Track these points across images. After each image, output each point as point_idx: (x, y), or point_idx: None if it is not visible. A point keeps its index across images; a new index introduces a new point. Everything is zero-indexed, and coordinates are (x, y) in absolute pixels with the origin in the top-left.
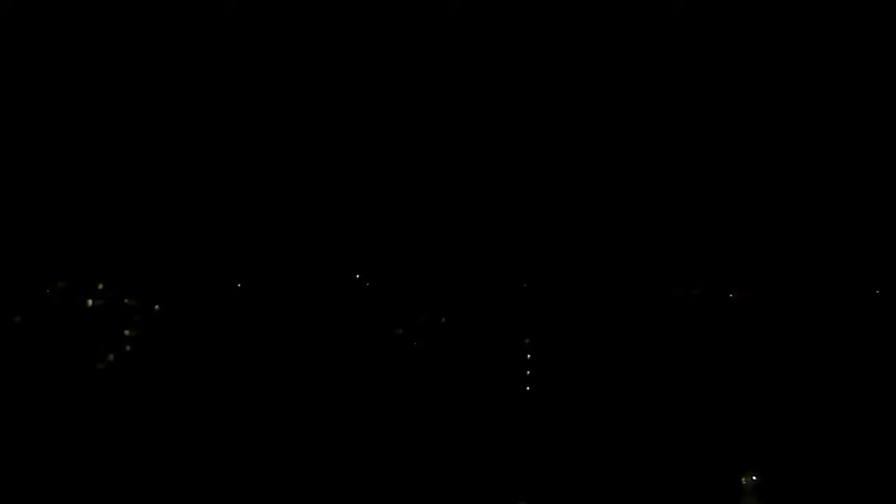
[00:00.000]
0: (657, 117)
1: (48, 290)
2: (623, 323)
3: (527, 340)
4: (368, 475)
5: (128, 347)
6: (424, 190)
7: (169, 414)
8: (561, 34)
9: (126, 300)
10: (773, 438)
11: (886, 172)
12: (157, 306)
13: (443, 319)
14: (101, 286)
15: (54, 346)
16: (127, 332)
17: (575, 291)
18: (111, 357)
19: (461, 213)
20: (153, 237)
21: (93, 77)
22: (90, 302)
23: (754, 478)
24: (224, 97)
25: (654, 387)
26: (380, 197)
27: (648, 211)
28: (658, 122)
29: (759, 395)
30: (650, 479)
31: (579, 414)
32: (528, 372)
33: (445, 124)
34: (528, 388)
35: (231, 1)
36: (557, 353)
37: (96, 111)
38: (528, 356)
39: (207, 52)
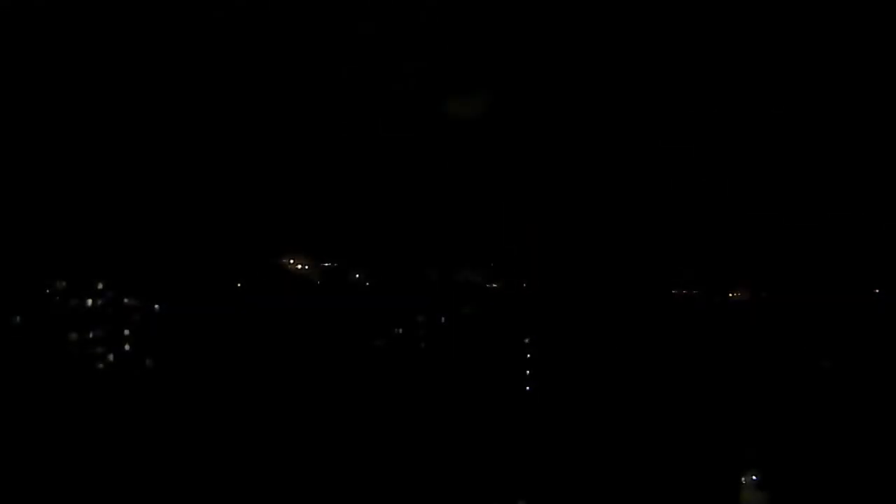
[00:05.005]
0: (658, 118)
1: (48, 290)
2: (623, 323)
3: (527, 340)
4: (368, 475)
5: (127, 347)
6: (424, 190)
7: (169, 413)
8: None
9: (126, 300)
10: (772, 438)
11: (886, 173)
12: (157, 306)
13: (442, 319)
14: (101, 286)
15: (54, 346)
16: (127, 332)
17: (575, 291)
18: (111, 357)
19: (461, 214)
20: (153, 237)
21: (92, 77)
22: (90, 302)
23: (754, 477)
24: (224, 98)
25: (655, 386)
26: (380, 197)
27: (649, 211)
28: (658, 123)
29: (758, 395)
30: (650, 479)
31: (579, 414)
32: (528, 372)
33: (446, 125)
34: (528, 388)
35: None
36: (557, 353)
37: (96, 111)
38: (528, 356)
39: (207, 52)
